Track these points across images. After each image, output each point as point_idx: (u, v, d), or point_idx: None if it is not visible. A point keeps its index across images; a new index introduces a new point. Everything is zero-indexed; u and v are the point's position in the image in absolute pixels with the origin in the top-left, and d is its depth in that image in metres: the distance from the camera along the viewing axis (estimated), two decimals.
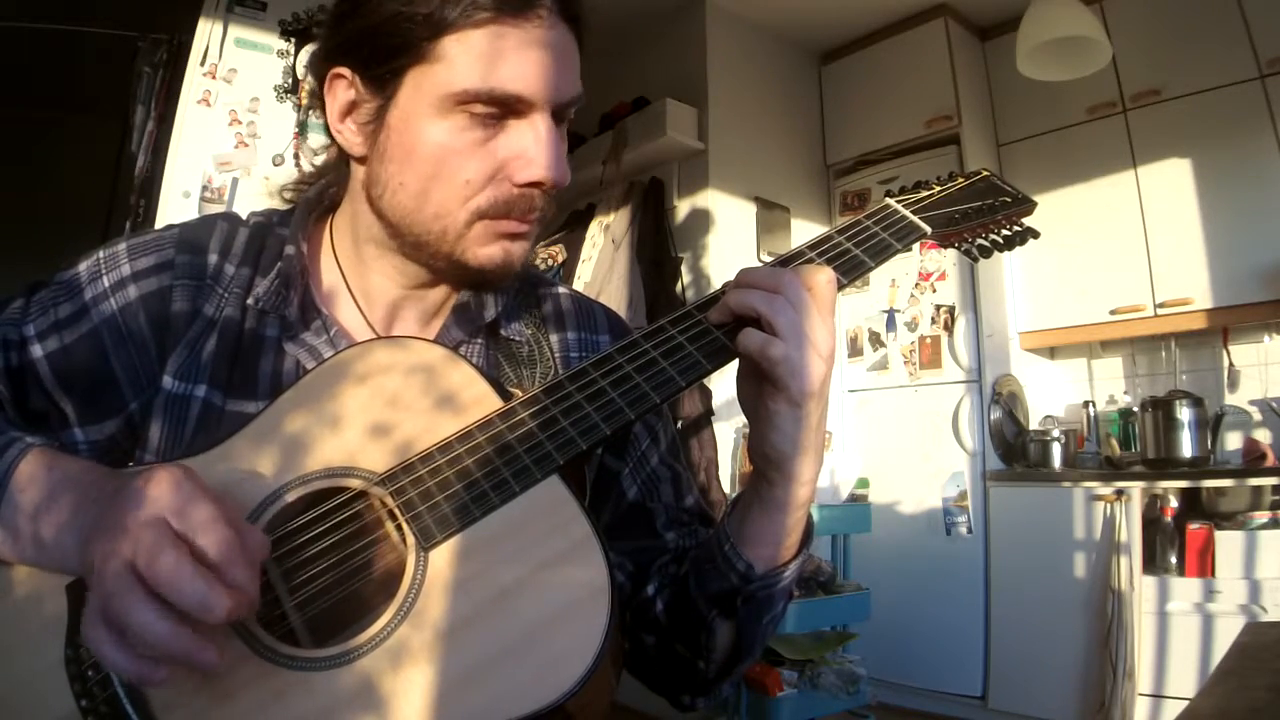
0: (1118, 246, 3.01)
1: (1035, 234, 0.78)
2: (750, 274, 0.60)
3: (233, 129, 2.31)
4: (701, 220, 3.19)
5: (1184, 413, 2.70)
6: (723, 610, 0.63)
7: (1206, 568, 2.47)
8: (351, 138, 0.66)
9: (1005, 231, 0.77)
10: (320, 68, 0.66)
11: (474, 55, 0.59)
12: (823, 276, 0.59)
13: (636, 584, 0.71)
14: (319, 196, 0.74)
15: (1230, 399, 2.86)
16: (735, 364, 0.61)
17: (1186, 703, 0.69)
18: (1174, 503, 2.66)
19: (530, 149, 0.62)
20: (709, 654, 0.65)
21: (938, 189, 0.75)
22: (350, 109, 0.65)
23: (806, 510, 0.62)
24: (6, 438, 0.56)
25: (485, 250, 0.64)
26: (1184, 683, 2.43)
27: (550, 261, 3.31)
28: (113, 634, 0.44)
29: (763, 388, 0.58)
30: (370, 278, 0.70)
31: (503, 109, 0.61)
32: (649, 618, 0.68)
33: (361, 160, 0.67)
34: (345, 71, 0.64)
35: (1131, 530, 2.57)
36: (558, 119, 0.64)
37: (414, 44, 0.60)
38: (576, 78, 0.64)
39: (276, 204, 0.78)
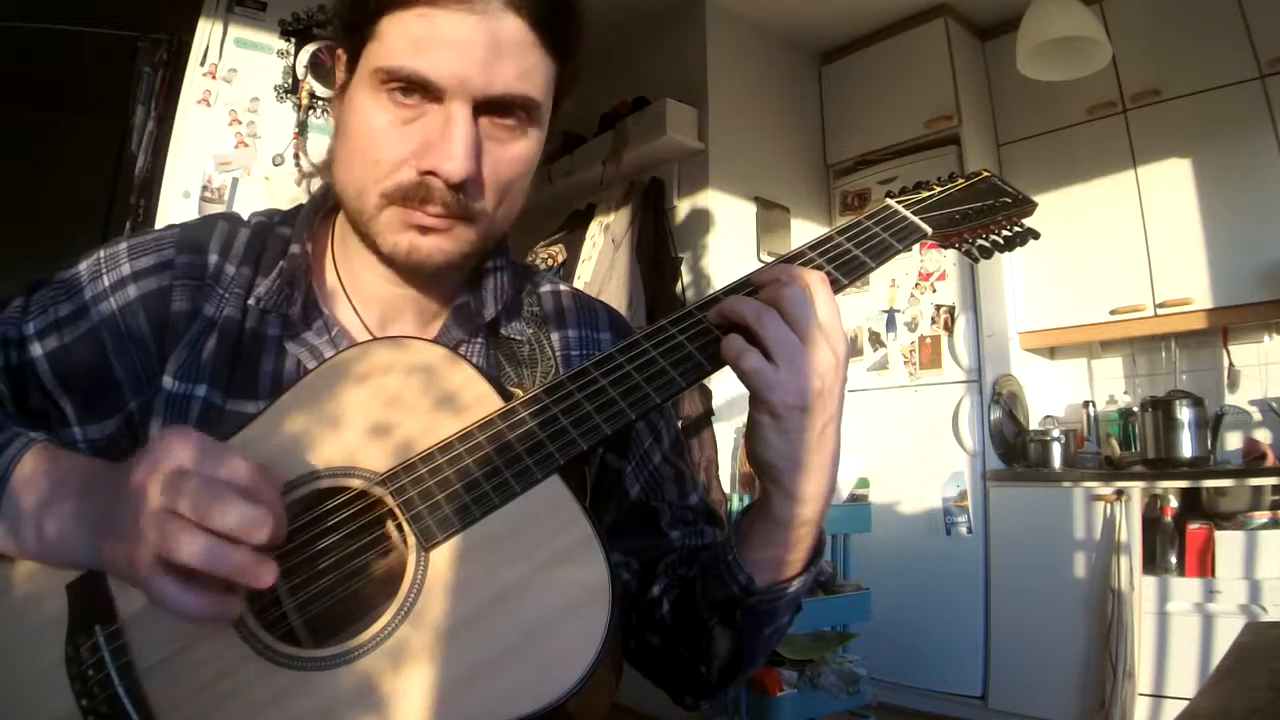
0: (1118, 246, 3.01)
1: (1036, 235, 0.78)
2: (756, 276, 0.60)
3: (233, 129, 2.31)
4: (701, 220, 3.19)
5: (1184, 413, 2.70)
6: (723, 619, 0.62)
7: (1206, 568, 2.47)
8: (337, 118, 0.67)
9: (1006, 232, 0.77)
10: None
11: (401, 35, 0.59)
12: (822, 291, 0.57)
13: (643, 583, 0.70)
14: (324, 196, 0.74)
15: (1230, 399, 2.86)
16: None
17: (1186, 703, 0.69)
18: (1174, 503, 2.66)
19: (433, 136, 0.60)
20: (710, 660, 0.65)
21: (938, 189, 0.75)
22: (342, 89, 0.66)
23: (812, 527, 0.59)
24: (8, 434, 0.56)
25: (394, 237, 0.63)
26: (1184, 683, 2.43)
27: (550, 261, 3.31)
28: (178, 581, 0.45)
29: (750, 399, 0.57)
30: (361, 274, 0.70)
31: (421, 93, 0.60)
32: (655, 618, 0.68)
33: None
34: (341, 52, 0.66)
35: (1131, 530, 2.57)
36: (490, 112, 0.61)
37: (366, 22, 0.61)
38: (513, 72, 0.60)
39: (302, 197, 0.78)
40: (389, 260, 0.65)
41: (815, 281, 0.57)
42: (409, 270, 0.66)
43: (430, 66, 0.58)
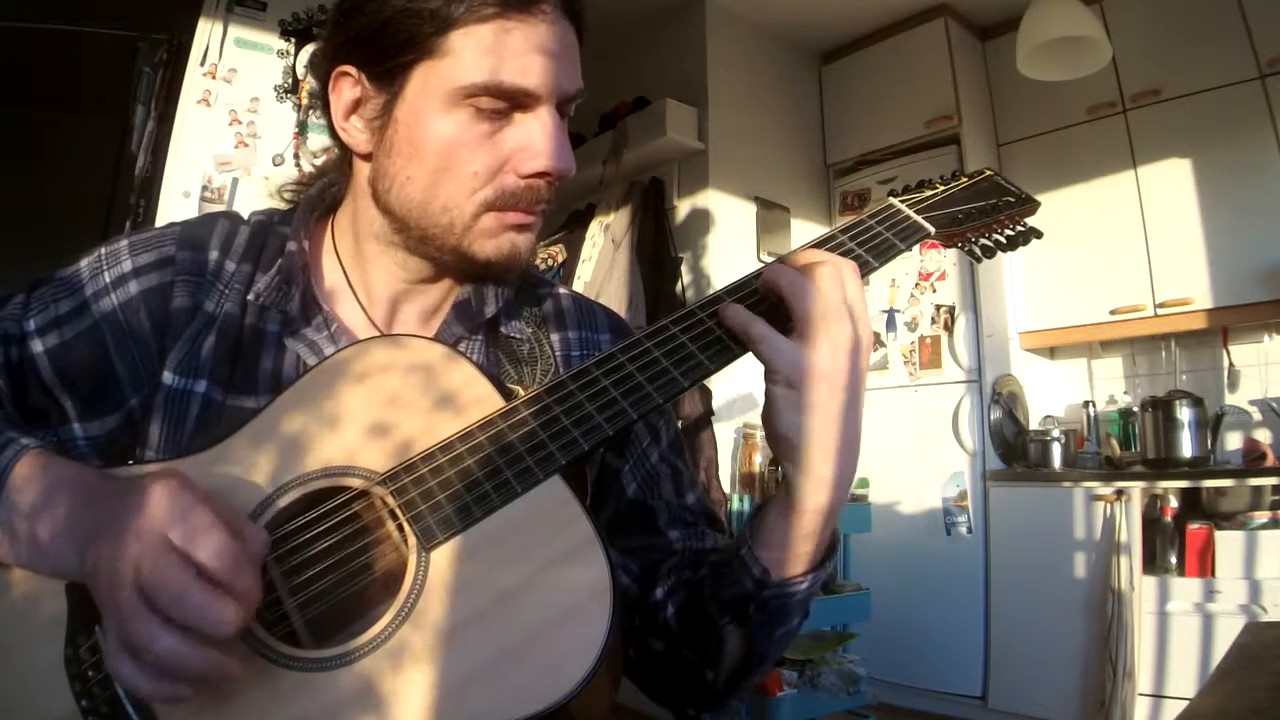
0: (1118, 246, 3.01)
1: (1038, 234, 0.78)
2: (789, 256, 0.62)
3: (233, 129, 2.31)
4: (701, 220, 3.19)
5: (1184, 413, 2.70)
6: (735, 617, 0.61)
7: (1206, 568, 2.47)
8: (357, 135, 0.66)
9: (1008, 231, 0.77)
10: (324, 66, 0.67)
11: (480, 50, 0.60)
12: (852, 275, 0.59)
13: (644, 586, 0.69)
14: (320, 195, 0.74)
15: (1230, 399, 2.86)
16: (744, 361, 0.61)
17: (1186, 703, 0.69)
18: (1174, 503, 2.66)
19: (536, 141, 0.63)
20: (718, 663, 0.64)
21: (941, 188, 0.75)
22: (355, 106, 0.66)
23: (827, 517, 0.58)
24: (3, 439, 0.56)
25: (493, 242, 0.65)
26: (1184, 683, 2.43)
27: (550, 261, 3.31)
28: (137, 664, 0.45)
29: (765, 371, 0.58)
30: (371, 274, 0.70)
31: (509, 102, 0.62)
32: (658, 622, 0.67)
33: (367, 157, 0.67)
34: (350, 69, 0.65)
35: (1131, 530, 2.57)
36: (561, 113, 0.65)
37: (421, 39, 0.61)
38: (578, 72, 0.65)
39: (277, 203, 0.78)
40: (484, 265, 0.66)
41: (847, 265, 0.59)
42: (502, 272, 0.68)
43: (527, 78, 0.61)
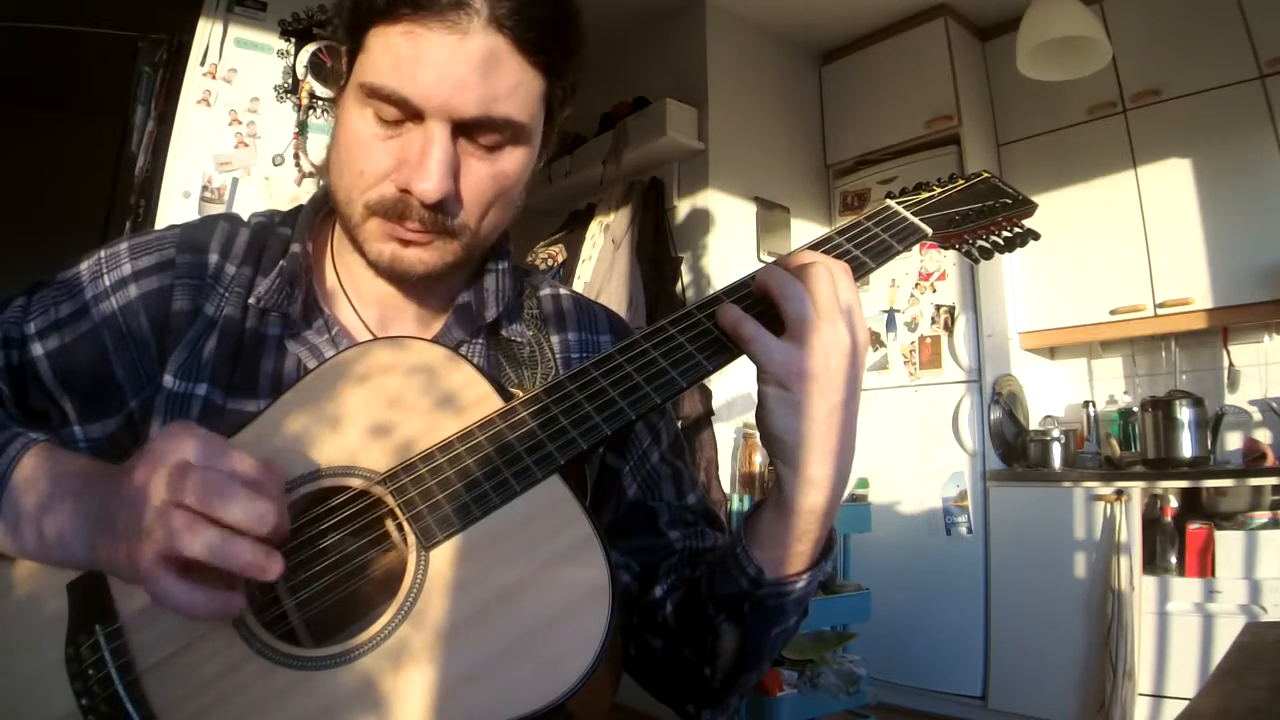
0: (1118, 246, 3.01)
1: (1036, 235, 0.78)
2: (783, 258, 0.62)
3: (233, 129, 2.31)
4: (701, 220, 3.20)
5: (1184, 413, 2.70)
6: (730, 615, 0.62)
7: (1206, 568, 2.47)
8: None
9: (1006, 233, 0.77)
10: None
11: (385, 52, 0.59)
12: (844, 277, 0.59)
13: (644, 585, 0.70)
14: (325, 196, 0.74)
15: (1230, 399, 2.86)
16: (744, 361, 0.61)
17: (1186, 703, 0.69)
18: (1174, 503, 2.66)
19: (412, 156, 0.60)
20: (715, 660, 0.64)
21: (938, 190, 0.75)
22: (341, 90, 0.66)
23: (820, 517, 0.58)
24: (8, 434, 0.56)
25: (378, 246, 0.64)
26: (1184, 683, 2.43)
27: (550, 261, 3.31)
28: (182, 579, 0.45)
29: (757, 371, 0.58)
30: (358, 274, 0.70)
31: (402, 111, 0.59)
32: (657, 620, 0.67)
33: None
34: (344, 51, 0.65)
35: (1131, 530, 2.57)
36: (470, 131, 0.61)
37: (354, 30, 0.62)
38: (498, 94, 0.59)
39: (303, 200, 0.78)
40: (374, 267, 0.66)
41: (839, 267, 0.59)
42: (394, 278, 0.67)
43: (410, 87, 0.58)
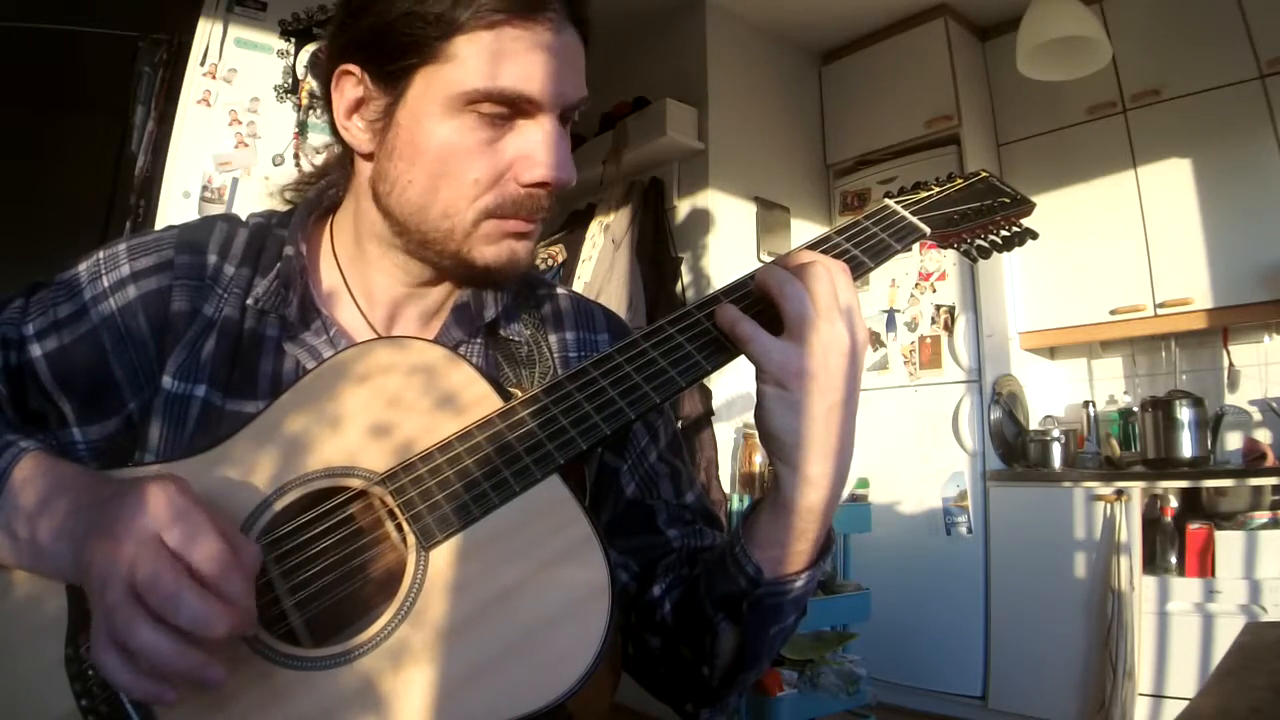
0: (1118, 246, 3.01)
1: (1034, 235, 0.78)
2: (782, 258, 0.62)
3: (233, 129, 2.31)
4: (701, 220, 3.20)
5: (1184, 413, 2.70)
6: (729, 614, 0.62)
7: (1206, 568, 2.47)
8: (358, 134, 0.66)
9: (1004, 232, 0.77)
10: (327, 65, 0.67)
11: (484, 56, 0.60)
12: (843, 276, 0.59)
13: (643, 584, 0.70)
14: (319, 197, 0.74)
15: (1230, 399, 2.86)
16: (743, 361, 0.61)
17: (1186, 703, 0.69)
18: (1174, 503, 2.66)
19: (537, 150, 0.62)
20: (713, 659, 0.64)
21: (936, 190, 0.75)
22: (358, 106, 0.65)
23: (819, 516, 0.59)
24: (2, 441, 0.56)
25: (492, 249, 0.65)
26: (1184, 683, 2.43)
27: (550, 261, 3.31)
28: (121, 656, 0.45)
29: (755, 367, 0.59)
30: (372, 276, 0.70)
31: (511, 109, 0.62)
32: (655, 619, 0.67)
33: (368, 157, 0.67)
34: (354, 68, 0.64)
35: (1131, 530, 2.57)
36: (563, 120, 0.65)
37: (425, 43, 0.61)
38: (582, 80, 0.65)
39: (277, 204, 0.78)
40: (484, 271, 0.66)
41: (837, 266, 0.59)
42: (502, 278, 0.68)
43: (529, 85, 0.61)
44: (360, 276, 0.71)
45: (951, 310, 3.16)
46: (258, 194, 2.29)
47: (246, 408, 0.64)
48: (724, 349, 0.59)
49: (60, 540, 0.51)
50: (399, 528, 0.54)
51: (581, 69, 0.65)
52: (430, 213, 0.64)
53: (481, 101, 0.60)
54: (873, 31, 3.56)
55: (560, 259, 3.30)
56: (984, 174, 0.79)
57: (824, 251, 0.65)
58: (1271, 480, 2.49)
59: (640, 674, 0.71)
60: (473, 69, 0.60)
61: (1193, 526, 2.53)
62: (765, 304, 0.59)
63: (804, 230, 3.45)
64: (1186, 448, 2.69)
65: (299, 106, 2.38)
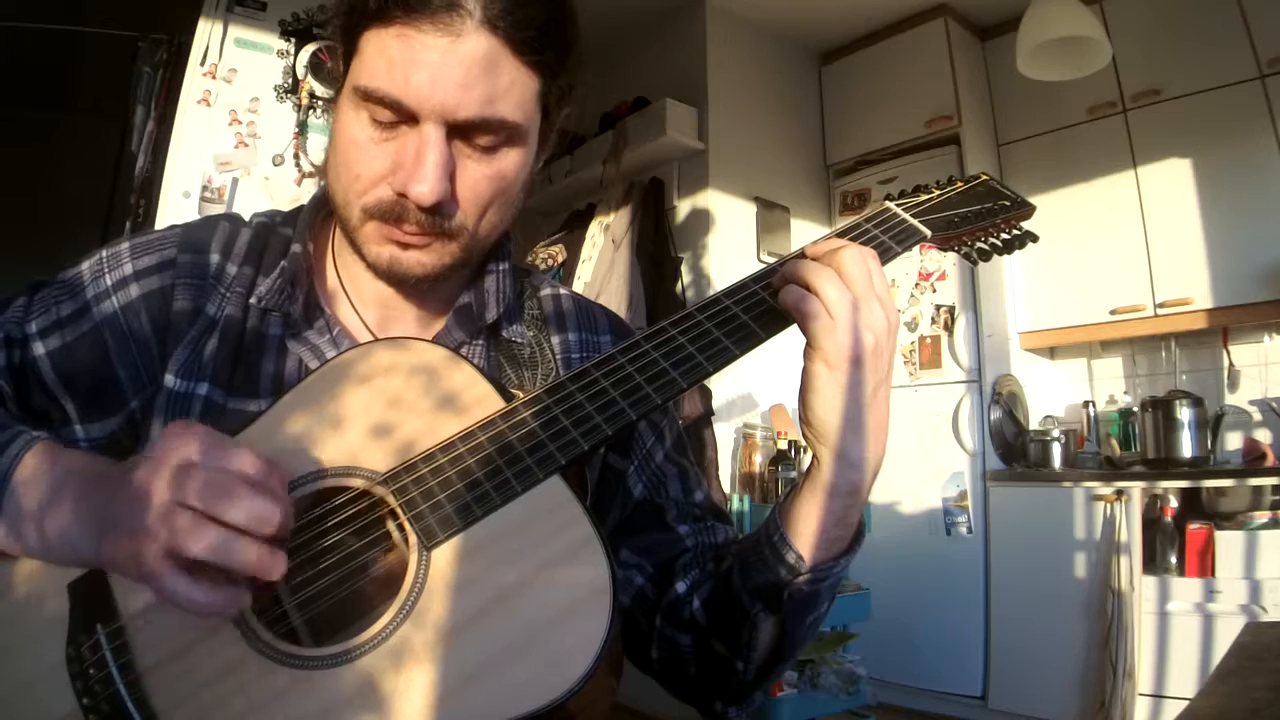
0: (1118, 246, 3.01)
1: (1034, 237, 0.78)
2: (809, 248, 0.62)
3: (233, 129, 2.31)
4: (701, 220, 3.20)
5: (1184, 413, 2.70)
6: (768, 604, 0.62)
7: (1206, 568, 2.47)
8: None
9: (1004, 235, 0.77)
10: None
11: (378, 55, 0.59)
12: (874, 260, 0.60)
13: (661, 584, 0.69)
14: (325, 196, 0.74)
15: (1230, 399, 2.86)
16: (744, 361, 0.61)
17: (1186, 703, 0.69)
18: (1174, 503, 2.66)
19: (406, 159, 0.60)
20: (749, 652, 0.64)
21: (937, 192, 0.75)
22: (339, 92, 0.66)
23: (857, 500, 0.60)
24: (10, 432, 0.56)
25: (375, 249, 0.64)
26: (1184, 683, 2.43)
27: (550, 261, 3.31)
28: (188, 575, 0.46)
29: (806, 351, 0.59)
30: (359, 275, 0.70)
31: (396, 114, 0.59)
32: (684, 617, 0.67)
33: None
34: (339, 51, 0.66)
35: (1131, 530, 2.57)
36: (464, 133, 0.60)
37: (350, 32, 0.62)
38: (492, 95, 0.59)
39: (303, 200, 0.78)
40: (373, 270, 0.66)
41: (869, 251, 0.60)
42: (393, 280, 0.67)
43: (404, 90, 0.58)
44: (352, 276, 0.71)
45: (951, 310, 3.16)
46: (258, 194, 2.30)
47: (249, 407, 0.64)
48: (725, 350, 0.59)
49: (72, 525, 0.51)
50: (400, 528, 0.54)
51: (492, 82, 0.59)
52: (337, 199, 0.65)
53: (367, 100, 0.59)
54: (873, 31, 3.56)
55: (560, 259, 3.30)
56: (984, 176, 0.79)
57: None
58: (1271, 480, 2.49)
59: (666, 675, 0.71)
60: (366, 66, 0.60)
61: (1193, 526, 2.53)
62: (768, 305, 0.60)
63: (804, 230, 3.45)
64: (1186, 448, 2.69)
65: (299, 106, 2.38)
